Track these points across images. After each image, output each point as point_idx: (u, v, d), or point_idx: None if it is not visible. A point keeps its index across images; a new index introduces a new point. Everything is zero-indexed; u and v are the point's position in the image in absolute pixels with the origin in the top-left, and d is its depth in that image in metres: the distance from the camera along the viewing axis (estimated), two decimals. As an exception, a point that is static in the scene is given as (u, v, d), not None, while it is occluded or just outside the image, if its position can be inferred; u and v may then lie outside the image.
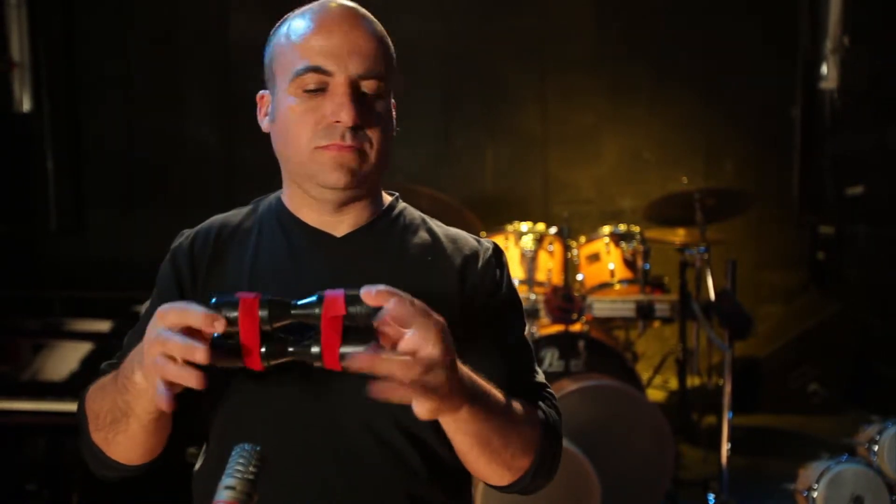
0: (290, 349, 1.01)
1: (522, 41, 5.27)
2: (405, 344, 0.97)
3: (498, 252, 1.32)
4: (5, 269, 4.52)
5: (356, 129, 1.18)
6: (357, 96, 1.18)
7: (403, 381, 0.96)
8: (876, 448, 2.81)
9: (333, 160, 1.18)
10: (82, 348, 3.03)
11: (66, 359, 3.01)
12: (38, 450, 3.16)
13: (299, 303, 1.00)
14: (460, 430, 1.09)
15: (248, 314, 0.98)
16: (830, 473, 2.75)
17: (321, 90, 1.18)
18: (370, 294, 0.96)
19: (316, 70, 1.17)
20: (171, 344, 0.96)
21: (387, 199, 1.34)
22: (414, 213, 1.34)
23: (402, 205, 1.35)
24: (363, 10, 1.24)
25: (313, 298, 0.99)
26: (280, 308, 0.99)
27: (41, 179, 4.98)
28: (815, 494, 2.74)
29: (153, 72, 5.19)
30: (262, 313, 0.98)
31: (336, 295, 0.98)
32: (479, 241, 1.32)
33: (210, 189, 5.16)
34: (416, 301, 0.98)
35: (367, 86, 1.19)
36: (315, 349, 0.99)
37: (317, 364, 1.00)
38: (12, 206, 4.93)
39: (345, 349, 0.98)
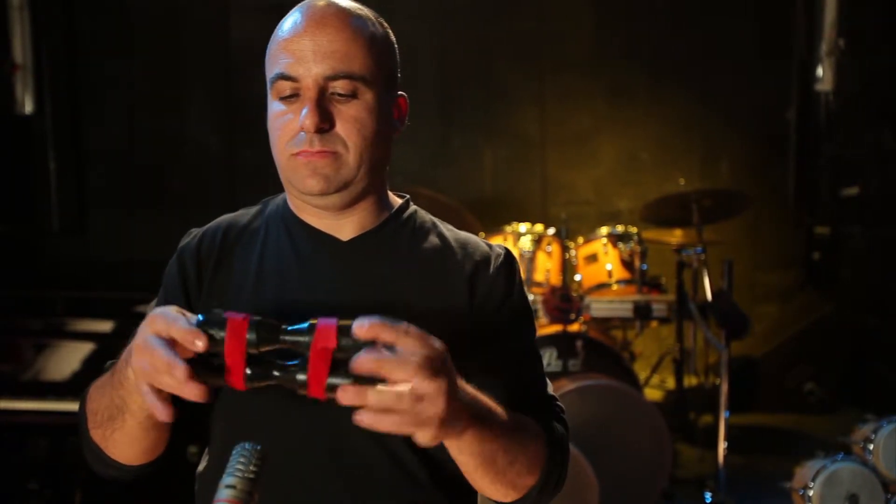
0: (276, 373, 0.97)
1: (521, 43, 5.28)
2: (395, 377, 0.92)
3: (510, 258, 1.28)
4: (7, 269, 4.53)
5: (325, 133, 1.15)
6: (321, 99, 1.15)
7: (396, 413, 0.93)
8: (871, 447, 2.82)
9: (306, 167, 1.16)
10: (84, 348, 3.04)
11: (67, 359, 3.01)
12: (40, 449, 3.15)
13: (290, 328, 0.96)
14: (464, 452, 1.06)
15: (235, 336, 0.95)
16: (826, 472, 2.76)
17: (296, 95, 1.16)
18: (362, 328, 0.92)
19: (284, 77, 1.16)
20: (157, 356, 0.95)
21: (397, 201, 1.31)
22: (425, 217, 1.31)
23: (412, 208, 1.31)
24: (345, 6, 1.20)
25: (304, 326, 0.96)
26: (269, 332, 0.96)
27: (43, 180, 5.00)
28: (811, 493, 2.75)
29: (154, 73, 5.20)
30: (250, 336, 0.95)
31: (328, 325, 0.94)
32: (490, 247, 1.29)
33: (211, 190, 5.17)
34: (412, 329, 0.94)
35: (339, 86, 1.15)
36: (301, 377, 0.95)
37: (301, 392, 0.96)
38: (14, 207, 4.94)
39: (332, 380, 0.94)
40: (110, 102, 5.16)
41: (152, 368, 0.95)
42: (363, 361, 0.91)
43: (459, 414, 0.99)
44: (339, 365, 0.94)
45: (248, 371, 0.96)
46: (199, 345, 0.94)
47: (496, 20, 5.26)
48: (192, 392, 0.94)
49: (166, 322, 0.96)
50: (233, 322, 0.95)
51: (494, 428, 1.07)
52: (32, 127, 4.89)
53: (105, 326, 3.10)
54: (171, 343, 0.95)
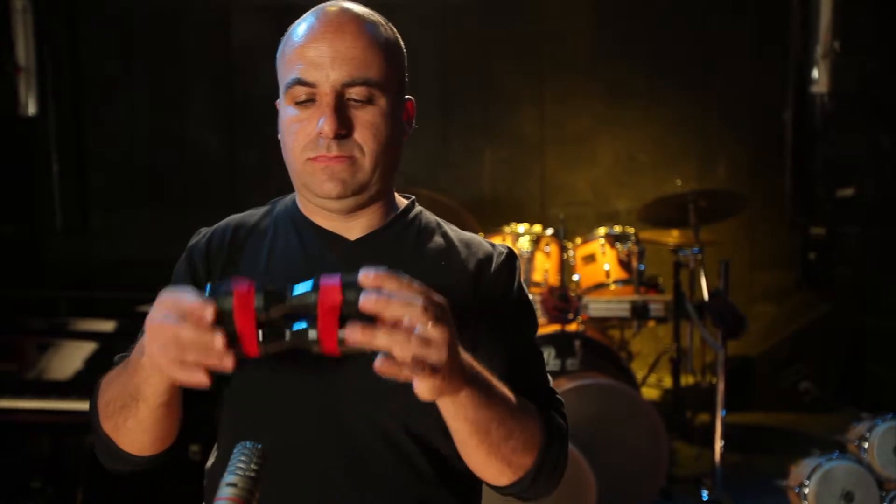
0: (287, 335, 0.99)
1: (520, 44, 5.29)
2: (404, 322, 0.96)
3: (511, 257, 1.31)
4: (11, 269, 4.56)
5: (342, 139, 1.17)
6: (340, 105, 1.17)
7: (403, 357, 0.95)
8: (866, 445, 2.84)
9: (323, 172, 1.18)
10: (86, 348, 3.04)
11: (70, 358, 3.02)
12: (43, 447, 3.17)
13: (295, 292, 0.98)
14: (460, 416, 1.07)
15: (243, 303, 0.96)
16: (822, 470, 2.78)
17: (311, 101, 1.18)
18: (368, 277, 0.96)
19: (301, 83, 1.18)
20: (181, 333, 0.96)
21: (402, 202, 1.33)
22: (429, 218, 1.34)
23: (417, 209, 1.34)
24: (359, 12, 1.22)
25: (308, 286, 0.98)
26: (275, 297, 0.98)
27: (46, 181, 5.03)
28: (806, 491, 2.77)
29: (156, 75, 5.22)
30: (258, 302, 0.97)
31: (332, 283, 0.97)
32: (493, 246, 1.31)
33: (211, 190, 5.19)
34: (416, 282, 0.98)
35: (356, 92, 1.18)
36: (313, 334, 0.98)
37: (315, 350, 0.98)
38: (18, 208, 4.97)
39: (343, 333, 0.97)
40: (112, 104, 5.19)
41: (176, 345, 0.97)
42: (369, 300, 0.95)
43: (459, 369, 1.01)
44: (348, 319, 0.97)
45: (260, 337, 0.98)
46: (209, 314, 0.96)
47: (496, 20, 5.26)
48: (228, 361, 0.96)
49: (174, 300, 0.99)
50: (239, 290, 0.97)
51: (491, 396, 1.09)
52: (35, 128, 4.92)
53: (107, 326, 3.11)
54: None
